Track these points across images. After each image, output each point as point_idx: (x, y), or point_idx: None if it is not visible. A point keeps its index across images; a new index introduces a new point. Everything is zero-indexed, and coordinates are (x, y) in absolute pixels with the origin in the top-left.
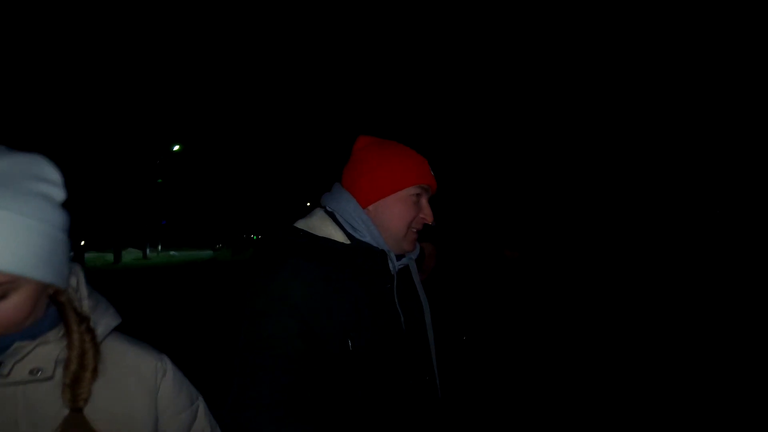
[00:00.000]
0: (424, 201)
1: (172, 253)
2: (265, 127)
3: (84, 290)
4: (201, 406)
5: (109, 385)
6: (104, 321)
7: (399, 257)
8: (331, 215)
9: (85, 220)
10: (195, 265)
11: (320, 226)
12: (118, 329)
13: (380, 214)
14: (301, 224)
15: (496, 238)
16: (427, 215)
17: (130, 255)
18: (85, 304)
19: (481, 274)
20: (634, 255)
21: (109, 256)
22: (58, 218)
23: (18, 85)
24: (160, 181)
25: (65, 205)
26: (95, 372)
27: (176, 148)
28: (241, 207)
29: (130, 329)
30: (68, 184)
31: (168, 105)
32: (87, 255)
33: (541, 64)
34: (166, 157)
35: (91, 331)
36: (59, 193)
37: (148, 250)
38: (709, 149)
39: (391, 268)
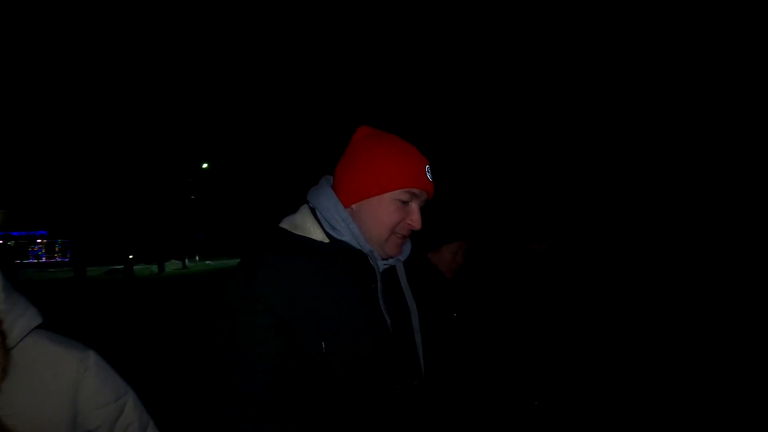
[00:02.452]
0: (413, 206)
1: (208, 262)
2: (285, 141)
3: (0, 293)
4: (130, 400)
5: (25, 384)
6: (21, 323)
7: (386, 258)
8: (313, 211)
9: (133, 238)
10: (228, 271)
11: (301, 223)
12: (46, 327)
13: (361, 215)
14: (285, 222)
15: (522, 230)
16: (414, 221)
17: (172, 265)
18: (2, 308)
19: (505, 271)
20: (674, 247)
21: (154, 267)
22: None
23: (69, 127)
24: (193, 197)
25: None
26: (4, 371)
27: (205, 165)
28: (269, 217)
29: (171, 328)
30: (119, 208)
31: (194, 126)
32: (135, 267)
33: (574, 50)
34: (197, 175)
35: (2, 333)
36: None
37: (187, 261)
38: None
39: (375, 268)
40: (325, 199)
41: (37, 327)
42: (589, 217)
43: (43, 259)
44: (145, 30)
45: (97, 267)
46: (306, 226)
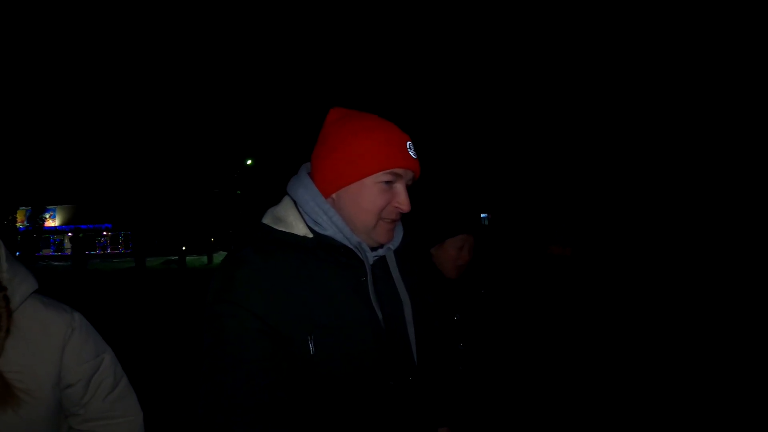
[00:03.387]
0: (399, 186)
1: None
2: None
3: (4, 264)
4: (107, 358)
5: (22, 344)
6: (21, 289)
7: (377, 247)
8: (296, 204)
9: (186, 232)
10: None
11: (284, 217)
12: (39, 292)
13: (343, 203)
14: (267, 217)
15: (541, 233)
16: (401, 203)
17: (219, 257)
18: (4, 276)
19: (519, 276)
20: (701, 251)
21: (204, 258)
22: None
23: (132, 132)
24: (239, 192)
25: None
26: (7, 331)
27: (249, 162)
28: None
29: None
30: (175, 207)
31: (239, 124)
32: (188, 258)
33: (593, 50)
34: (242, 171)
35: (6, 299)
36: None
37: None
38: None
39: (364, 261)
40: (304, 191)
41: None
42: (614, 217)
43: (108, 250)
44: (195, 37)
45: (155, 258)
46: (288, 219)
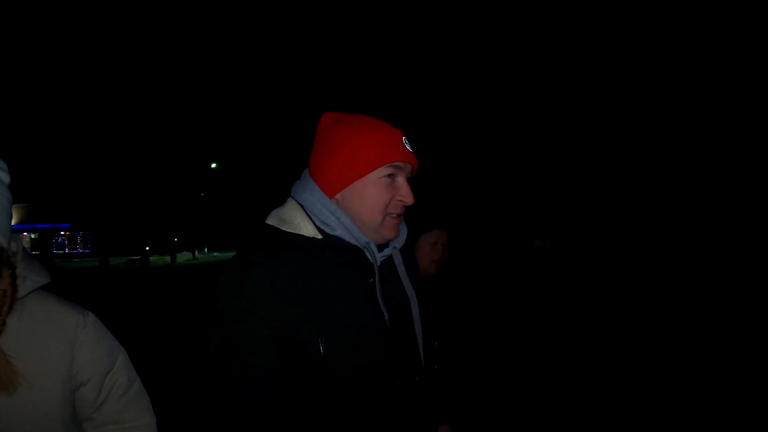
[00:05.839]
0: (400, 180)
1: (215, 254)
2: (288, 140)
3: (20, 252)
4: (121, 358)
5: (32, 333)
6: (33, 276)
7: (383, 246)
8: (302, 207)
9: (149, 232)
10: None
11: (291, 219)
12: (49, 289)
13: (348, 202)
14: (272, 218)
15: (524, 227)
16: (405, 196)
17: (183, 257)
18: (19, 262)
19: (502, 268)
20: (677, 244)
21: (167, 258)
22: (8, 194)
23: (90, 127)
24: (203, 194)
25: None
26: (11, 307)
27: (213, 165)
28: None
29: (183, 310)
30: (137, 207)
31: (204, 128)
32: (151, 258)
33: (575, 48)
34: (206, 174)
35: (14, 276)
36: (6, 177)
37: (196, 252)
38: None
39: (372, 260)
40: (310, 194)
41: (47, 290)
42: (593, 213)
43: (66, 250)
44: (162, 38)
45: (117, 257)
46: (296, 221)
